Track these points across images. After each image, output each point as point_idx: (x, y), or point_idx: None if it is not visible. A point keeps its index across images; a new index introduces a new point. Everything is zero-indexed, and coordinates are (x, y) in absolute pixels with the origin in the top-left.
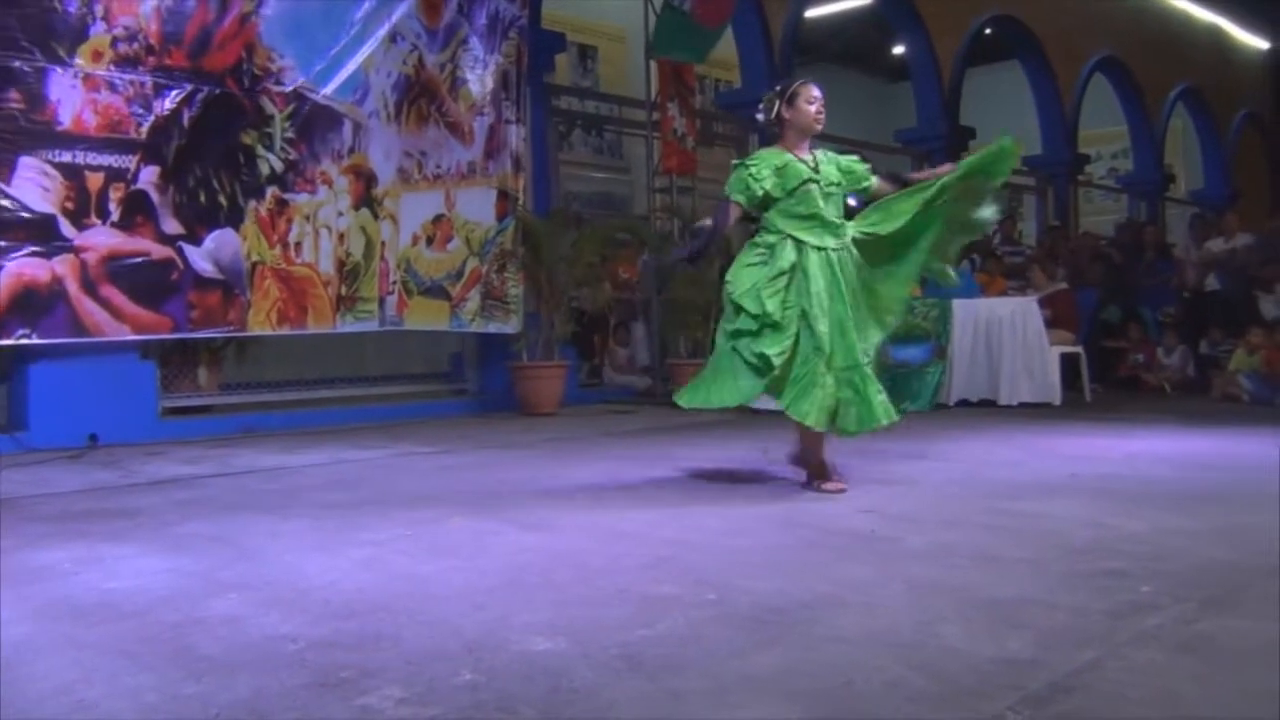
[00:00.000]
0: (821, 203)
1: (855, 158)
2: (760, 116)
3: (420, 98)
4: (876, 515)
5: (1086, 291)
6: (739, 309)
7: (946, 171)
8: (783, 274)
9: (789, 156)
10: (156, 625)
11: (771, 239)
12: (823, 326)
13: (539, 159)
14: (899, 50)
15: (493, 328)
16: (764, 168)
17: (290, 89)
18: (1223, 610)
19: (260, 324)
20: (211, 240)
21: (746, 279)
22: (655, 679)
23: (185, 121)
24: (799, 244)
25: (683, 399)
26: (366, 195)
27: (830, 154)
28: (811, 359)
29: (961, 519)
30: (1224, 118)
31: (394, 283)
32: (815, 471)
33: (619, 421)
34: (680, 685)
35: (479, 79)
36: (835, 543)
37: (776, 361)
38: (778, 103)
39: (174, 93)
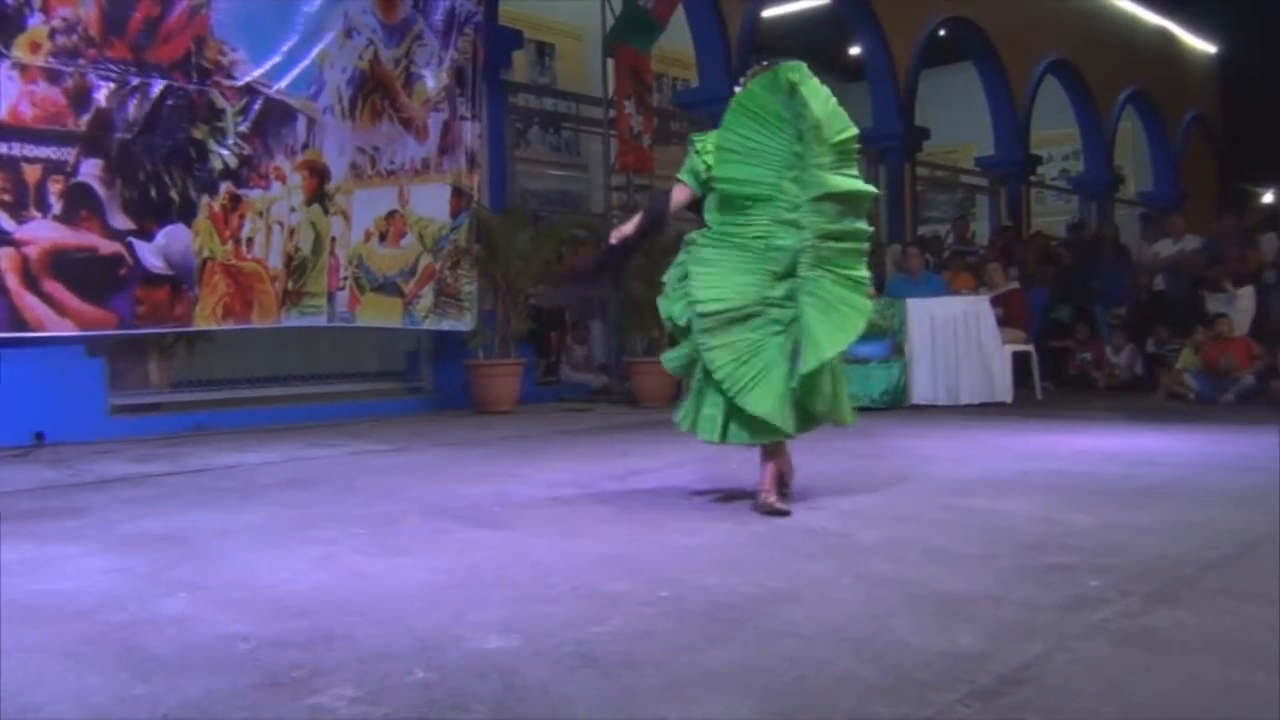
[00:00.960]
0: None
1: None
2: (737, 90)
3: (374, 93)
4: (829, 512)
5: (1037, 291)
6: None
7: None
8: (687, 276)
9: None
10: (104, 625)
11: (693, 233)
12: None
13: (495, 156)
14: (855, 50)
15: (446, 325)
16: (709, 142)
17: (242, 83)
18: (1168, 603)
19: (206, 319)
20: (163, 236)
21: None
22: (609, 675)
23: (130, 114)
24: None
25: None
26: (319, 191)
27: None
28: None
29: (913, 515)
30: (1172, 120)
31: (345, 278)
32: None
33: (575, 420)
34: (634, 681)
35: (434, 75)
36: (788, 539)
37: (669, 368)
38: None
39: (116, 85)
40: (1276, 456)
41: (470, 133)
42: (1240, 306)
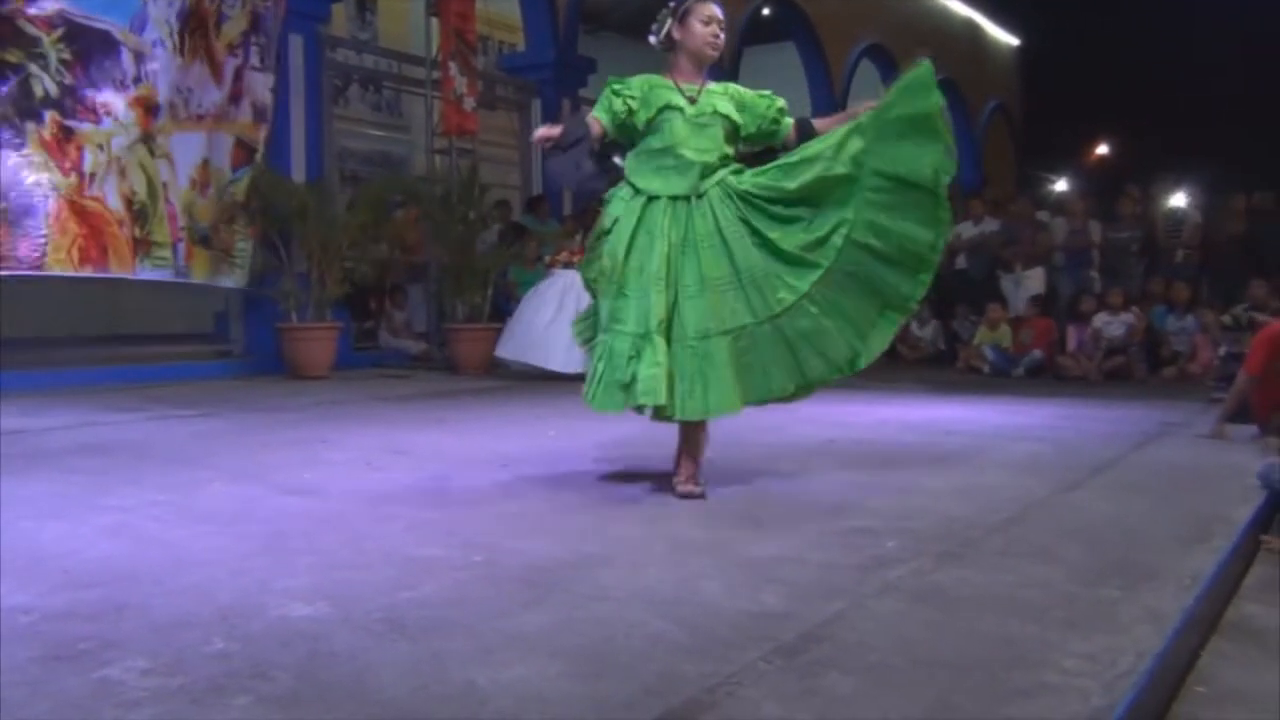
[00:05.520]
0: (684, 133)
1: (769, 92)
2: (652, 37)
3: (197, 31)
4: (647, 480)
5: None
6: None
7: (863, 110)
8: (605, 233)
9: (663, 81)
10: None
11: (615, 189)
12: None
13: (312, 112)
14: None
15: (222, 281)
16: (632, 88)
17: (52, 10)
18: (955, 563)
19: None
20: None
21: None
22: (418, 640)
23: None
24: (635, 191)
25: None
26: (148, 130)
27: (737, 88)
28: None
29: (726, 481)
30: (976, 108)
31: (182, 228)
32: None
33: (392, 386)
34: (443, 646)
35: (236, 18)
36: (604, 506)
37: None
38: (669, 21)
39: None
40: (1054, 427)
41: (260, 84)
42: (1030, 286)
